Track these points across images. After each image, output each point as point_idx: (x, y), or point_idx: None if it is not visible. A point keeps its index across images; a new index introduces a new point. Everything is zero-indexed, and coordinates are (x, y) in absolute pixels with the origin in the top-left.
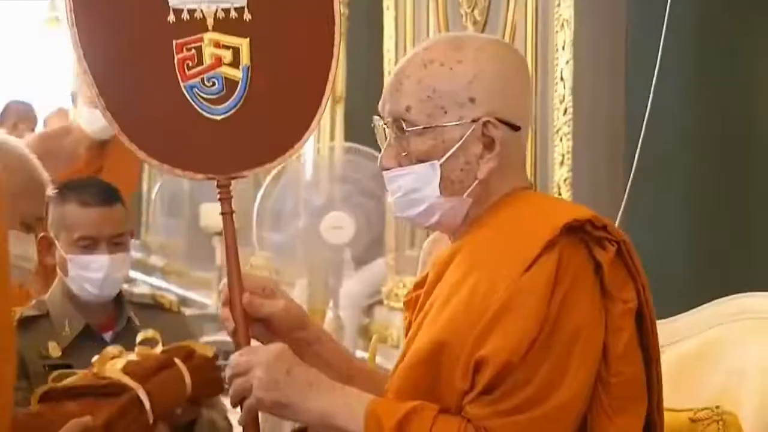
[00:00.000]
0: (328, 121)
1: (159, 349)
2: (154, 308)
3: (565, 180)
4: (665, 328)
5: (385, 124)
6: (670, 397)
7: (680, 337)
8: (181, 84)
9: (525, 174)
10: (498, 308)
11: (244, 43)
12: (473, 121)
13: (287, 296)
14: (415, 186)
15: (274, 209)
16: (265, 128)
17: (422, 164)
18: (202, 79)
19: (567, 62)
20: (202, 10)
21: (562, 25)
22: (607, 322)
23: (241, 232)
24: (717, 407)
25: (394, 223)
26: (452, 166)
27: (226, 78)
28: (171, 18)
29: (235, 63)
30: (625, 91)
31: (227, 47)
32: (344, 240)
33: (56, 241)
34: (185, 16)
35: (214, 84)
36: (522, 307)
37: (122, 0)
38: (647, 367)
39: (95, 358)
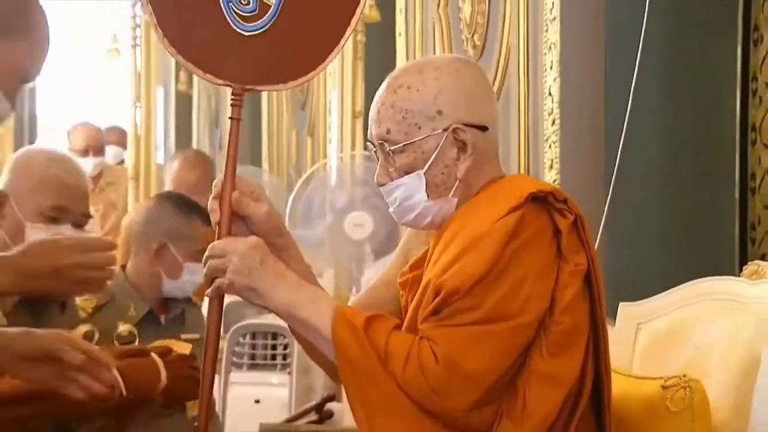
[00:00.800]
0: (350, 133)
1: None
2: (189, 302)
3: (554, 181)
4: (642, 308)
5: (374, 147)
6: (645, 368)
7: (655, 315)
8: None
9: (499, 166)
10: (464, 247)
11: None
12: (444, 130)
13: (270, 204)
14: (407, 195)
15: (304, 209)
16: (287, 52)
17: (409, 175)
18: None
19: (554, 79)
20: None
21: (550, 47)
22: (558, 278)
23: None
24: (684, 376)
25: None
26: (434, 172)
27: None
28: None
29: None
30: (605, 104)
31: None
32: (364, 235)
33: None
34: None
35: (248, 3)
36: (481, 248)
37: None
38: (593, 325)
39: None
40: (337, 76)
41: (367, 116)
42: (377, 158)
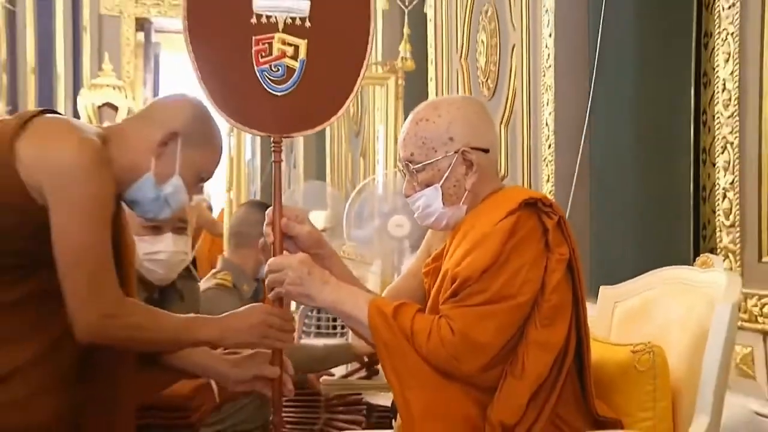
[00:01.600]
0: (392, 156)
1: None
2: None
3: (550, 191)
4: (618, 291)
5: (403, 166)
6: (619, 337)
7: (627, 296)
8: (255, 68)
9: (498, 180)
10: (473, 244)
11: (302, 43)
12: (455, 152)
13: (312, 224)
14: (427, 203)
15: (357, 214)
16: (310, 106)
17: (428, 188)
18: (270, 66)
19: (550, 113)
20: (276, 17)
21: (546, 89)
22: (547, 265)
23: (337, 229)
24: (649, 343)
25: None
26: (447, 185)
27: (287, 66)
28: (253, 20)
29: (294, 56)
30: (588, 133)
31: (290, 45)
32: (404, 234)
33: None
34: (263, 19)
35: (278, 70)
36: (486, 245)
37: (222, 6)
38: (575, 302)
39: None
40: (382, 112)
41: None
42: (404, 175)
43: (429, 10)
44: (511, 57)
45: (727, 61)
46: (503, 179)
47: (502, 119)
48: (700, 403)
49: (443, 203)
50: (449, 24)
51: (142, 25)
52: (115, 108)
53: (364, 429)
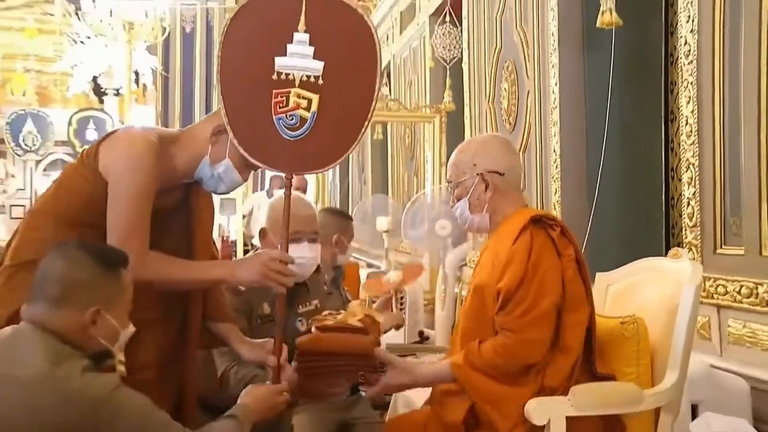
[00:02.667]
0: (438, 175)
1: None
2: None
3: (557, 201)
4: (610, 276)
5: (447, 183)
6: (610, 312)
7: (617, 280)
8: (273, 116)
9: (521, 198)
10: (504, 263)
11: (315, 98)
12: (477, 174)
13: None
14: (461, 212)
15: (411, 218)
16: (318, 151)
17: (461, 200)
18: (286, 115)
19: (556, 142)
20: (293, 74)
21: (554, 124)
22: (562, 266)
23: (396, 230)
24: (633, 315)
25: None
26: (472, 198)
27: (300, 117)
28: (274, 76)
29: (307, 108)
30: (586, 158)
31: (304, 98)
32: (446, 234)
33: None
34: (282, 76)
35: (293, 119)
36: (515, 262)
37: (249, 63)
38: (586, 291)
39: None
40: (430, 143)
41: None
42: (449, 189)
43: (465, 66)
44: (527, 100)
45: (688, 102)
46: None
47: (521, 147)
48: (672, 360)
49: (470, 211)
50: (480, 76)
51: None
52: None
53: None
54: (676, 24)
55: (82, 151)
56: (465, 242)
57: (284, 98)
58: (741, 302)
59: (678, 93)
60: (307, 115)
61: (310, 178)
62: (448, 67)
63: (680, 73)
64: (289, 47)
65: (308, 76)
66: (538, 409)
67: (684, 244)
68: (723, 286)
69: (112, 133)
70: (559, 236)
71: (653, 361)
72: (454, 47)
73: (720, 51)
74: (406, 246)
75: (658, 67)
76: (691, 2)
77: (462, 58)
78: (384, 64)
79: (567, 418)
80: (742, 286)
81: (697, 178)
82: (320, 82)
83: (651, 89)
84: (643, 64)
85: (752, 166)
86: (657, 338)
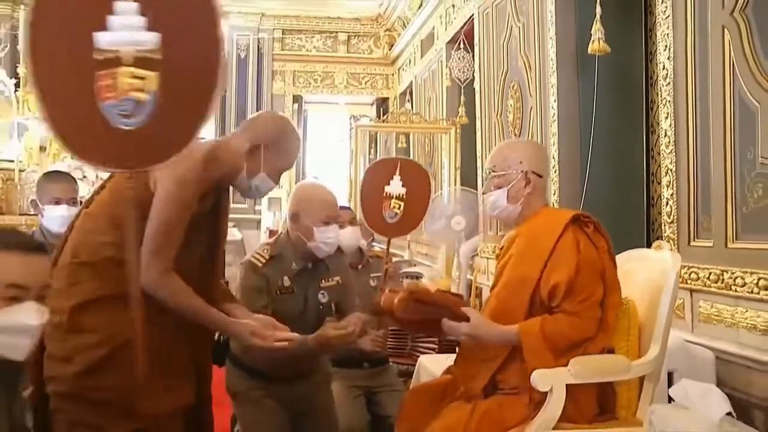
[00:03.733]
0: (453, 177)
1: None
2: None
3: (555, 201)
4: None
5: (488, 172)
6: None
7: None
8: (101, 104)
9: (545, 199)
10: (552, 259)
11: (152, 75)
12: (522, 171)
13: None
14: (495, 199)
15: (430, 215)
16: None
17: (500, 189)
18: (117, 100)
19: (555, 151)
20: (392, 193)
21: (552, 135)
22: (599, 257)
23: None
24: (625, 297)
25: (482, 220)
26: (512, 191)
27: (395, 212)
28: (96, 55)
29: (398, 208)
30: (580, 165)
31: (397, 203)
32: (461, 228)
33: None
34: (387, 194)
35: (126, 104)
36: (565, 258)
37: (64, 44)
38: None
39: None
40: (446, 150)
41: (462, 172)
42: (489, 176)
43: (476, 86)
44: (530, 114)
45: (666, 117)
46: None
47: None
48: (655, 335)
49: (507, 200)
50: (489, 94)
51: (297, 99)
52: None
53: (437, 352)
54: (655, 51)
55: None
56: (476, 235)
57: (113, 81)
58: (710, 287)
59: (657, 109)
60: (145, 97)
61: (342, 177)
62: (462, 86)
63: (659, 93)
64: (111, 19)
65: (400, 194)
66: (542, 378)
67: (663, 238)
68: (695, 273)
69: None
70: (593, 232)
71: (640, 337)
72: (468, 70)
73: (692, 74)
74: (426, 238)
75: (640, 87)
76: (668, 33)
77: (474, 79)
78: (406, 85)
79: (567, 385)
80: (711, 273)
81: (674, 182)
82: (157, 57)
83: (634, 106)
84: (628, 84)
85: (720, 172)
86: (643, 317)
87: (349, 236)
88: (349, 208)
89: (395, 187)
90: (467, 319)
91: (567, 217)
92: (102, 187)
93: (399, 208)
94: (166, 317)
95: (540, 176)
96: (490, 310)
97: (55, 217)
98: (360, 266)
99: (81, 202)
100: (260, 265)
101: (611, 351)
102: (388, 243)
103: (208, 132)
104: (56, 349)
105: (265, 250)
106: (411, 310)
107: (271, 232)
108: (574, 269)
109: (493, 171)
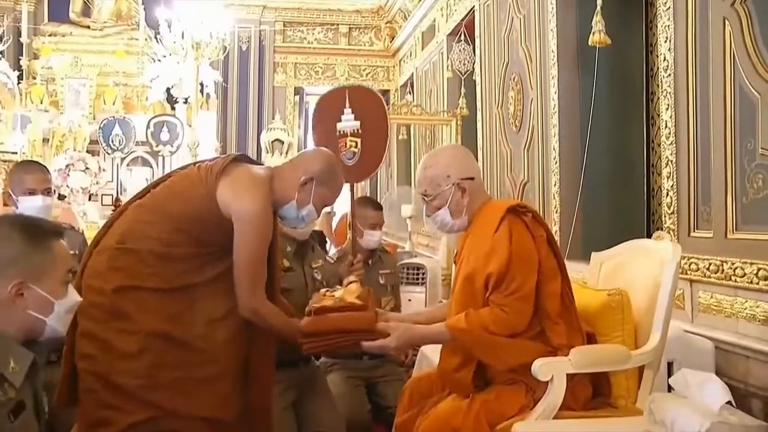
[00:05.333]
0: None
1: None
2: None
3: (556, 192)
4: (603, 255)
5: (421, 197)
6: (604, 286)
7: (609, 258)
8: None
9: (485, 192)
10: (489, 250)
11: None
12: (453, 184)
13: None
14: (441, 219)
15: None
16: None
17: (441, 210)
18: (345, 152)
19: (556, 141)
20: (346, 130)
21: (553, 126)
22: (537, 246)
23: (419, 216)
24: (619, 289)
25: None
26: (452, 206)
27: (352, 152)
28: (338, 132)
29: (355, 146)
30: (581, 153)
31: (353, 141)
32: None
33: None
34: (341, 132)
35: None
36: (500, 248)
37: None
38: (558, 265)
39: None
40: (447, 142)
41: None
42: (424, 201)
43: (477, 78)
44: (530, 106)
45: (667, 109)
46: (525, 185)
47: (525, 145)
48: (656, 324)
49: (451, 216)
50: (490, 86)
51: (298, 91)
52: (282, 142)
53: None
54: (656, 43)
55: (199, 166)
56: None
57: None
58: (709, 277)
59: (658, 101)
60: (356, 150)
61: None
62: (462, 78)
63: (660, 84)
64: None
65: (354, 130)
66: (543, 368)
67: (663, 229)
68: (695, 263)
69: (231, 162)
70: (531, 221)
71: (638, 327)
72: (468, 61)
73: (693, 65)
74: (427, 229)
75: (640, 79)
76: (668, 25)
77: (475, 70)
78: (407, 77)
79: (567, 374)
80: (710, 264)
81: (675, 173)
82: (359, 131)
83: (634, 97)
84: (628, 76)
85: (720, 163)
86: (643, 307)
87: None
88: (380, 208)
89: (347, 121)
90: (373, 322)
91: (503, 209)
92: (158, 183)
93: (356, 146)
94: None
95: (472, 178)
96: (452, 310)
97: (31, 208)
98: (370, 261)
99: (56, 193)
100: None
101: (591, 338)
102: (353, 198)
103: (210, 123)
104: (95, 329)
105: None
106: (318, 323)
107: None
108: (505, 260)
109: (426, 196)
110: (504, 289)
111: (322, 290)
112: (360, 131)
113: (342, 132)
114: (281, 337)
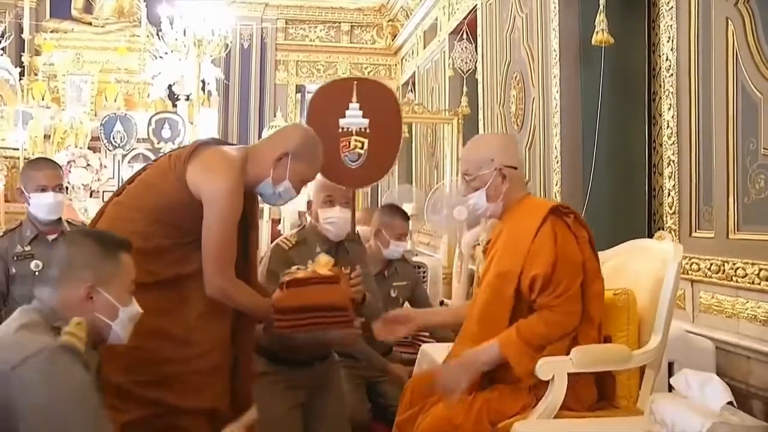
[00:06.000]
0: (455, 168)
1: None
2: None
3: (557, 191)
4: (606, 254)
5: (462, 176)
6: (607, 285)
7: (612, 258)
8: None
9: (525, 187)
10: (530, 251)
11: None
12: (495, 169)
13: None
14: (476, 201)
15: (432, 205)
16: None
17: (478, 191)
18: (349, 152)
19: (557, 141)
20: (351, 127)
21: (555, 125)
22: (580, 247)
23: (420, 215)
24: (625, 288)
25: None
26: (490, 189)
27: (358, 153)
28: (340, 129)
29: (361, 147)
30: (581, 154)
31: (359, 141)
32: (463, 218)
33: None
34: (345, 129)
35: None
36: (543, 250)
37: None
38: (598, 266)
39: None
40: (448, 141)
41: None
42: (464, 181)
43: (479, 76)
44: (532, 105)
45: (669, 109)
46: (526, 184)
47: (527, 145)
48: (657, 325)
49: (487, 200)
50: (492, 85)
51: (299, 89)
52: None
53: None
54: (658, 43)
55: (170, 155)
56: (478, 225)
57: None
58: (711, 277)
59: (660, 101)
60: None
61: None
62: (464, 77)
63: (662, 84)
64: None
65: (361, 128)
66: (544, 367)
67: (664, 229)
68: (696, 264)
69: (200, 146)
70: (574, 222)
71: (641, 327)
72: (470, 60)
73: (695, 65)
74: (428, 227)
75: (642, 79)
76: (671, 25)
77: (476, 69)
78: (408, 75)
79: (568, 374)
80: (712, 264)
81: (676, 173)
82: (367, 130)
83: (637, 97)
84: (631, 75)
85: (722, 164)
86: (645, 307)
87: (335, 213)
88: (408, 218)
89: (353, 118)
90: (347, 297)
91: (546, 209)
92: (133, 179)
93: (362, 147)
94: (213, 320)
95: (515, 168)
96: (477, 305)
97: (43, 205)
98: (386, 272)
99: (66, 188)
100: (287, 248)
101: (608, 340)
102: (353, 203)
103: (212, 120)
104: None
105: (293, 236)
106: (291, 297)
107: (300, 214)
108: (551, 263)
109: (467, 175)
110: (552, 291)
111: (293, 267)
112: (368, 131)
113: (346, 129)
114: (255, 317)
